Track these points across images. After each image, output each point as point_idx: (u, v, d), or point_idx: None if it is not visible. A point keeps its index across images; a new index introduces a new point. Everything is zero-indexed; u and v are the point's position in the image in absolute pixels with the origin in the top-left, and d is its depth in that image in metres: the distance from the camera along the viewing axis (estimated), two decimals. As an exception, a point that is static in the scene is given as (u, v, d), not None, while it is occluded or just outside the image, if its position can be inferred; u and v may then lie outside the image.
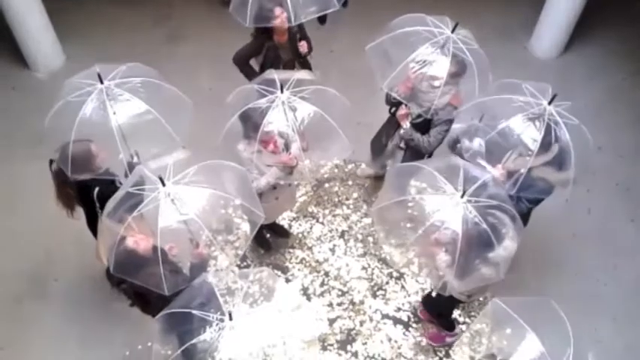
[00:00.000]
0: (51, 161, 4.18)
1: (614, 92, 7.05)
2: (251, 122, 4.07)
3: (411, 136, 4.79)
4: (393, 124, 5.07)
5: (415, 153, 4.99)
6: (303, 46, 5.25)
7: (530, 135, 3.86)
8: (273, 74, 4.09)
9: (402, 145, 5.08)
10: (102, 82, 3.95)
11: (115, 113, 3.92)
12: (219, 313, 3.07)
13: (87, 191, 4.19)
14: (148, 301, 3.81)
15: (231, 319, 3.05)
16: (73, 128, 3.83)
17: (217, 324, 3.04)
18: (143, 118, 3.97)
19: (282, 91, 3.99)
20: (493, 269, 3.58)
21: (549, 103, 3.87)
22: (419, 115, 4.66)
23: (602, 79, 7.20)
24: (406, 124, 4.78)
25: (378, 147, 5.47)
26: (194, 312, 3.07)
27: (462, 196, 3.39)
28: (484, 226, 3.36)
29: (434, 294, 4.43)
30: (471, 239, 3.39)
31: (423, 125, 4.73)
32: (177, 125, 4.04)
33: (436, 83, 4.42)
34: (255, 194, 3.89)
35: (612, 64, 7.36)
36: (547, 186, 4.04)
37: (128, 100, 3.96)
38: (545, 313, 3.18)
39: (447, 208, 3.41)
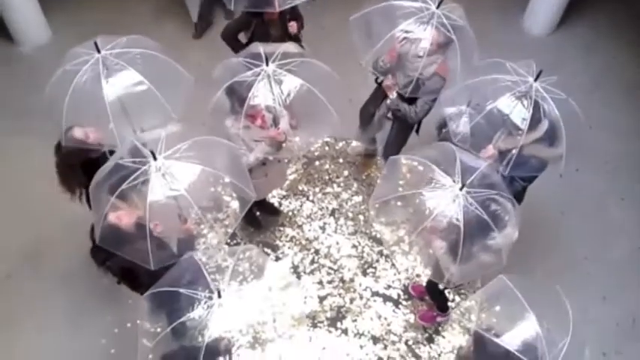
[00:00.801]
0: (58, 146, 4.10)
1: (605, 70, 7.02)
2: (237, 96, 4.01)
3: (397, 106, 4.76)
4: (379, 94, 5.03)
5: (402, 123, 4.97)
6: (292, 27, 5.16)
7: (519, 114, 3.83)
8: (259, 47, 4.01)
9: (390, 115, 5.04)
10: (99, 52, 3.89)
11: (108, 83, 3.86)
12: (207, 291, 3.05)
13: (94, 170, 4.11)
14: (135, 279, 3.78)
15: (219, 296, 3.03)
16: (66, 96, 3.78)
17: (206, 302, 3.02)
18: (137, 89, 3.92)
19: (267, 64, 3.92)
20: (493, 256, 3.57)
21: (535, 79, 3.83)
22: (405, 85, 4.62)
23: (593, 57, 7.16)
24: (393, 94, 4.73)
25: (366, 116, 5.41)
26: (181, 290, 3.04)
27: (462, 189, 3.38)
28: (484, 216, 3.37)
29: (441, 286, 4.47)
30: (469, 228, 3.39)
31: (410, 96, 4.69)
32: (173, 99, 3.99)
33: (420, 53, 4.38)
34: (247, 173, 3.83)
35: (603, 42, 7.32)
36: (539, 163, 4.03)
37: (124, 71, 3.91)
38: (549, 297, 3.16)
39: (447, 201, 3.40)
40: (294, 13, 5.21)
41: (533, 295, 3.11)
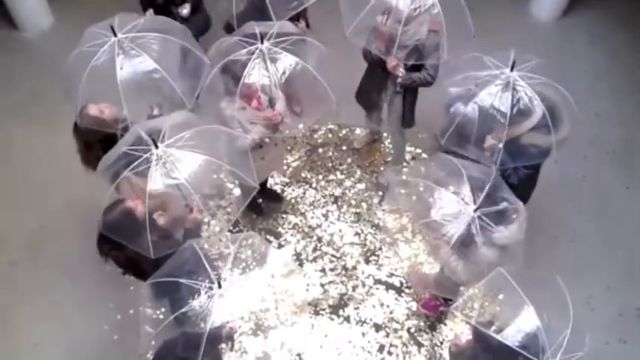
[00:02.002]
0: (75, 127, 4.07)
1: (613, 58, 6.93)
2: (231, 74, 3.94)
3: (410, 79, 4.72)
4: (380, 77, 4.94)
5: (412, 90, 4.96)
6: (301, 27, 5.06)
7: (499, 107, 3.75)
8: (254, 26, 3.94)
9: (398, 89, 4.97)
10: (115, 35, 3.82)
11: (121, 68, 3.79)
12: (207, 280, 3.04)
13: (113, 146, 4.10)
14: (141, 270, 3.75)
15: (220, 286, 3.02)
16: (83, 78, 3.74)
17: (206, 292, 3.01)
18: (152, 76, 3.86)
19: (262, 42, 3.87)
20: (496, 252, 3.54)
21: (511, 69, 3.73)
22: (408, 55, 4.55)
23: (602, 43, 7.07)
24: (402, 72, 4.69)
25: (369, 103, 5.32)
26: (182, 280, 3.03)
27: (476, 210, 3.37)
28: (495, 227, 3.38)
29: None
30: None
31: (416, 64, 4.67)
32: (189, 86, 3.95)
33: (415, 13, 4.27)
34: (250, 164, 3.78)
35: (612, 29, 7.21)
36: (539, 151, 3.93)
37: (139, 57, 3.83)
38: (549, 289, 3.14)
39: (463, 224, 3.40)
40: (300, 12, 5.08)
41: (532, 287, 3.08)
